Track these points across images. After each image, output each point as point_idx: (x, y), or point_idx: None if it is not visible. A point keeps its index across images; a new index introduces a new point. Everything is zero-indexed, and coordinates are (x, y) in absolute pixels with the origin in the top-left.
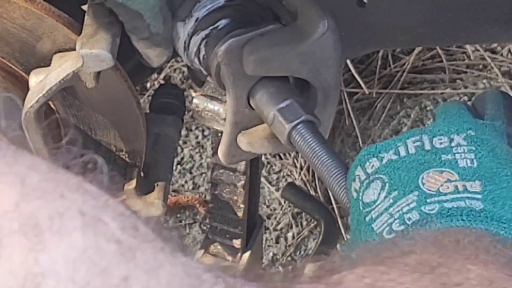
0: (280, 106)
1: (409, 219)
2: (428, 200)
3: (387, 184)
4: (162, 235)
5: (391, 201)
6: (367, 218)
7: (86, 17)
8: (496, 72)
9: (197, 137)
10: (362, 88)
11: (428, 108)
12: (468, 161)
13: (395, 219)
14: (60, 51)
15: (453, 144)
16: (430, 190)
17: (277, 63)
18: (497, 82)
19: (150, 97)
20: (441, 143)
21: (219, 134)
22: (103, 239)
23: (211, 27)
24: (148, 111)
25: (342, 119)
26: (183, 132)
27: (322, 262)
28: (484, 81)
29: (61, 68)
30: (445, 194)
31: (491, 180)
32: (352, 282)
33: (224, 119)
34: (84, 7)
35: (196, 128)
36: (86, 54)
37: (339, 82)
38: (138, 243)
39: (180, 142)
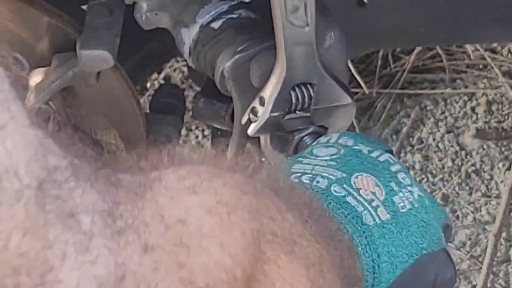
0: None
1: (317, 182)
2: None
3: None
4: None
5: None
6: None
7: (86, 17)
8: (496, 72)
9: (197, 137)
10: (362, 88)
11: (428, 108)
12: None
13: (307, 174)
14: (60, 51)
15: None
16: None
17: None
18: (497, 82)
19: (150, 97)
20: None
21: (219, 132)
22: None
23: (215, 33)
24: (148, 111)
25: None
26: (183, 132)
27: (151, 155)
28: (484, 80)
29: (61, 68)
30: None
31: None
32: (171, 181)
33: (224, 118)
34: (84, 7)
35: (196, 128)
36: (86, 54)
37: (346, 83)
38: (13, 96)
39: (180, 142)
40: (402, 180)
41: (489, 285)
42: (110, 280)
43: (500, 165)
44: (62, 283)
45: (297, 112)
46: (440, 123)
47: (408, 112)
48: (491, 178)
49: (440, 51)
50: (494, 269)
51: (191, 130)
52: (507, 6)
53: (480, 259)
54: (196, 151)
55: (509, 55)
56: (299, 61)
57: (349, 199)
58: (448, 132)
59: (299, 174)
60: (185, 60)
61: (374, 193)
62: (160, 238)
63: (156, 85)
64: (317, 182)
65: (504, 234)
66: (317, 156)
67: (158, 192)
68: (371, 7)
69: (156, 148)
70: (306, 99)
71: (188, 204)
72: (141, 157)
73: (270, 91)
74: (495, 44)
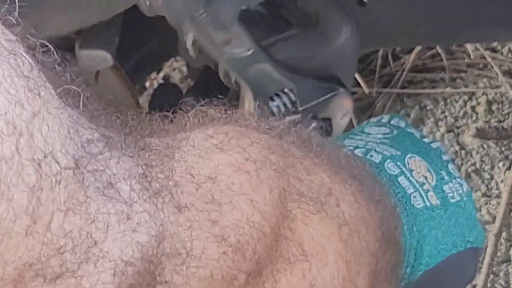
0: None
1: (371, 156)
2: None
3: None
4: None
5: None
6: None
7: None
8: (496, 71)
9: None
10: (361, 87)
11: (428, 108)
12: None
13: (360, 148)
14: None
15: None
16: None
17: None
18: (497, 81)
19: (149, 97)
20: None
21: None
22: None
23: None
24: (147, 111)
25: None
26: None
27: (176, 117)
28: (484, 80)
29: None
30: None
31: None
32: (198, 141)
33: None
34: None
35: None
36: (85, 54)
37: (351, 82)
38: (42, 81)
39: None
40: (452, 171)
41: (489, 285)
42: (151, 244)
43: (500, 164)
44: (107, 255)
45: (286, 118)
46: (440, 123)
47: (408, 112)
48: (491, 178)
49: (440, 51)
50: (494, 269)
51: None
52: (507, 6)
53: (480, 259)
54: (223, 113)
55: (509, 54)
56: (260, 77)
57: (401, 178)
58: (448, 131)
59: (351, 148)
60: (185, 60)
61: (425, 177)
62: (192, 197)
63: (155, 85)
64: (371, 156)
65: (504, 234)
66: (369, 134)
67: (186, 152)
68: (371, 7)
69: (181, 111)
70: (289, 105)
71: (217, 162)
72: (165, 120)
73: (247, 112)
74: (495, 44)
